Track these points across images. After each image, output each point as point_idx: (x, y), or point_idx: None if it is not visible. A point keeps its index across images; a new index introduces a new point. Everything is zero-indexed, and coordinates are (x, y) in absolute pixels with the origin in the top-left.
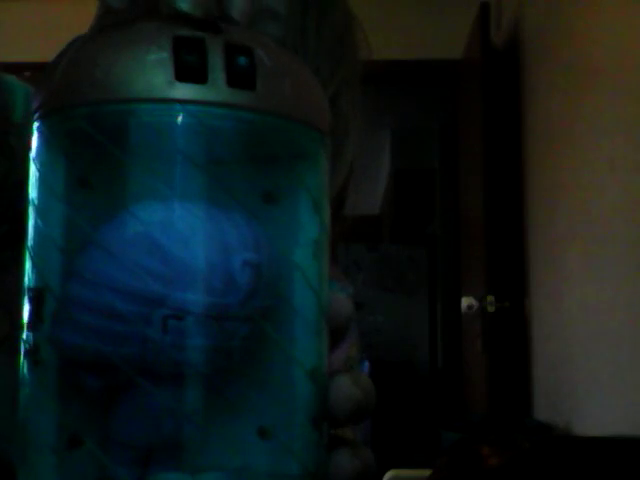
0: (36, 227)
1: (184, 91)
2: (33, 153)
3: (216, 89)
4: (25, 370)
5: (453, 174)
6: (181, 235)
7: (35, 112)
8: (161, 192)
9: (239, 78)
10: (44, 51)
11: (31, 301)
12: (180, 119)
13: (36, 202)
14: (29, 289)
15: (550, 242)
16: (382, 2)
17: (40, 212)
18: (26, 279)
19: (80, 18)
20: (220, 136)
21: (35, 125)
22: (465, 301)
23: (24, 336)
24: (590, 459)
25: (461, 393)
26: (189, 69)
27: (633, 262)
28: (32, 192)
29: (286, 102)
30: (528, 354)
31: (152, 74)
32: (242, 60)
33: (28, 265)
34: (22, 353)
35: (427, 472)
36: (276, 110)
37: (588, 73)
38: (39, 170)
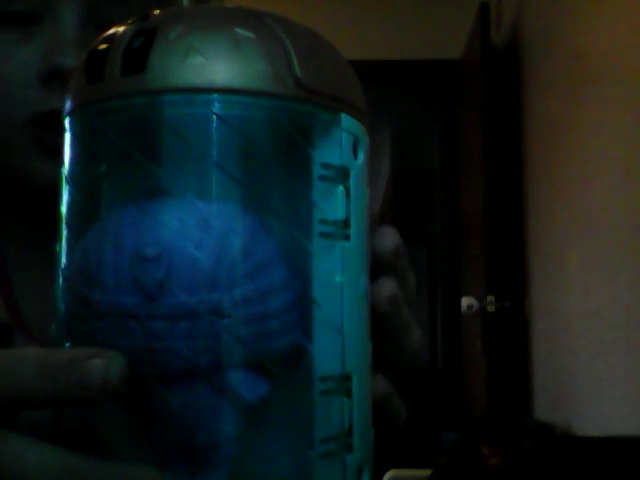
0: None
1: (84, 95)
2: (64, 151)
3: (111, 83)
4: None
5: (453, 174)
6: (92, 236)
7: (65, 110)
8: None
9: (131, 64)
10: None
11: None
12: (97, 120)
13: (65, 201)
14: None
15: (550, 242)
16: (382, 2)
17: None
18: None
19: None
20: (124, 130)
21: (66, 121)
22: (465, 301)
23: None
24: (590, 459)
25: (461, 393)
26: (92, 74)
27: (633, 262)
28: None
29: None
30: (528, 354)
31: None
32: (136, 44)
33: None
34: None
35: (427, 472)
36: (169, 87)
37: (588, 73)
38: (70, 169)
